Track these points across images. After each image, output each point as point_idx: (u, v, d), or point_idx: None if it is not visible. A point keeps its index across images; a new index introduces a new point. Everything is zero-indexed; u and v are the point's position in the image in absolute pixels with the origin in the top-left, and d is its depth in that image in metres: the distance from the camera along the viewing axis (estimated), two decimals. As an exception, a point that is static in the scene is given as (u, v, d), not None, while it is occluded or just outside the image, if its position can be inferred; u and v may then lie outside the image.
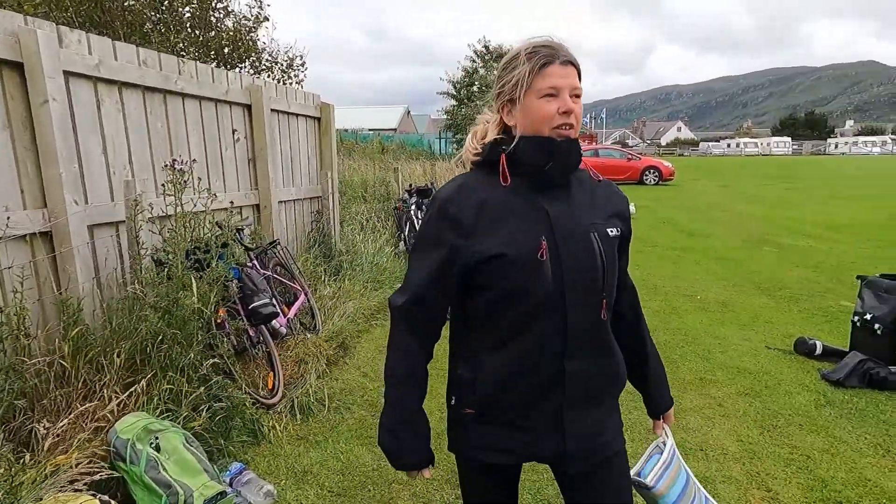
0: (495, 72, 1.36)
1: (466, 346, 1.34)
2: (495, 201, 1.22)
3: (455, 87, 23.96)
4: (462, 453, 1.38)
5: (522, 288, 1.20)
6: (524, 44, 1.24)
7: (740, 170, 33.15)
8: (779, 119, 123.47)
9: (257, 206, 4.81)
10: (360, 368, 3.97)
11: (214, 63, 7.62)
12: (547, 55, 1.20)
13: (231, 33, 7.69)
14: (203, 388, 2.64)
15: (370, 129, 34.33)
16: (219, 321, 3.14)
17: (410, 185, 8.64)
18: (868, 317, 3.93)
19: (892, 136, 76.53)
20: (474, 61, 23.59)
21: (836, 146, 73.77)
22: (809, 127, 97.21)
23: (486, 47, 23.42)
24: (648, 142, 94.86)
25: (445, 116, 24.80)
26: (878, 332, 3.84)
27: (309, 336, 4.05)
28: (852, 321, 4.08)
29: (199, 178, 3.54)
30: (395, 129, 42.06)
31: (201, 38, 7.27)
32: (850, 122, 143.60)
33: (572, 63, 1.21)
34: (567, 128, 1.21)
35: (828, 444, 2.94)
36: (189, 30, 7.20)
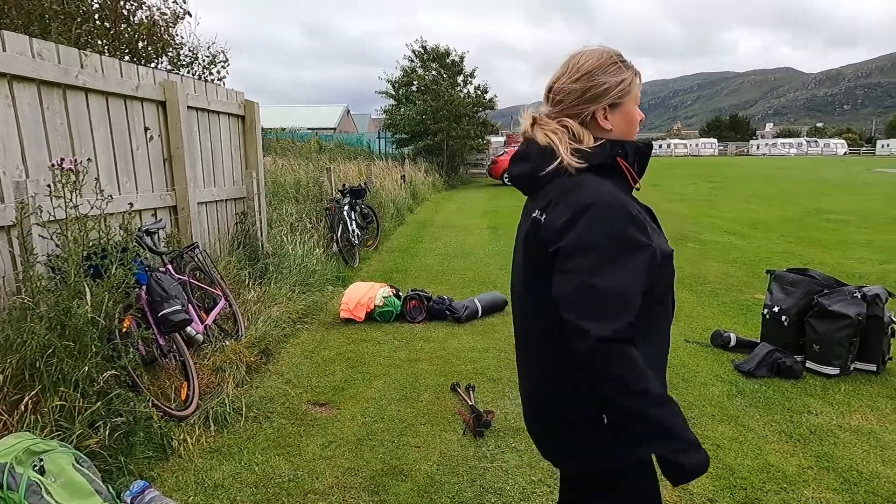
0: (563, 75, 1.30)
1: None
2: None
3: (394, 87, 23.85)
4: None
5: (671, 282, 1.30)
6: (606, 50, 1.28)
7: (670, 170, 34.52)
8: (706, 121, 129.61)
9: (174, 207, 4.58)
10: (282, 375, 3.84)
11: (128, 58, 7.21)
12: (634, 66, 1.29)
13: (146, 27, 7.29)
14: (101, 402, 2.47)
15: (309, 129, 33.72)
16: (123, 330, 2.95)
17: (344, 186, 8.50)
18: (776, 309, 4.14)
19: (807, 139, 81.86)
20: (412, 61, 23.56)
21: (758, 147, 78.12)
22: (733, 129, 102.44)
23: (424, 48, 23.41)
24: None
25: (384, 116, 24.63)
26: (785, 323, 4.05)
27: (229, 343, 3.88)
28: (762, 313, 4.28)
29: (97, 179, 3.32)
30: (334, 129, 41.45)
31: (112, 31, 6.85)
32: (769, 125, 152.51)
33: None
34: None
35: (737, 433, 3.06)
36: (98, 21, 6.77)
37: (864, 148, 76.72)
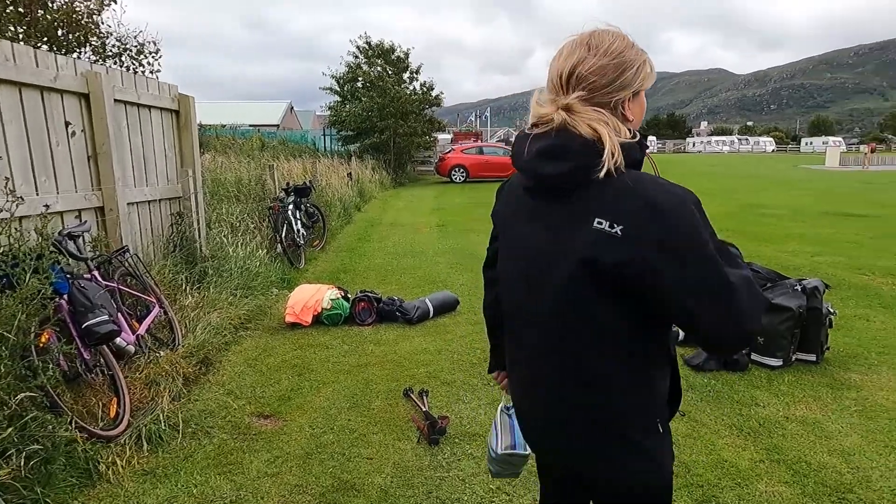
0: (600, 60, 1.11)
1: (662, 349, 1.20)
2: None
3: (338, 83, 23.40)
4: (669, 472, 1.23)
5: None
6: (618, 30, 1.15)
7: (613, 166, 35.42)
8: (646, 120, 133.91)
9: (101, 209, 4.24)
10: (224, 386, 3.61)
11: (46, 47, 6.67)
12: None
13: (65, 13, 6.74)
14: (13, 428, 2.21)
15: (251, 125, 32.72)
16: (41, 345, 2.68)
17: (288, 184, 8.20)
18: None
19: (739, 137, 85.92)
20: (357, 57, 23.17)
21: (694, 145, 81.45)
22: (671, 127, 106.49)
23: (369, 43, 23.07)
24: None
25: (330, 113, 24.14)
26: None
27: (163, 353, 3.62)
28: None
29: (8, 178, 3.01)
30: (277, 126, 40.41)
31: (28, 17, 6.30)
32: (704, 123, 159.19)
33: None
34: None
35: (690, 429, 3.07)
36: (11, 6, 6.19)
37: (790, 146, 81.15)
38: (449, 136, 35.16)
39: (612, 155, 1.03)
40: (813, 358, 3.96)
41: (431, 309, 5.00)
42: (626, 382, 1.14)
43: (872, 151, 34.67)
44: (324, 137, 25.92)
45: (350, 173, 15.01)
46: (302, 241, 7.42)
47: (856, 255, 7.37)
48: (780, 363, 3.88)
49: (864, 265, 6.75)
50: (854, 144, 68.38)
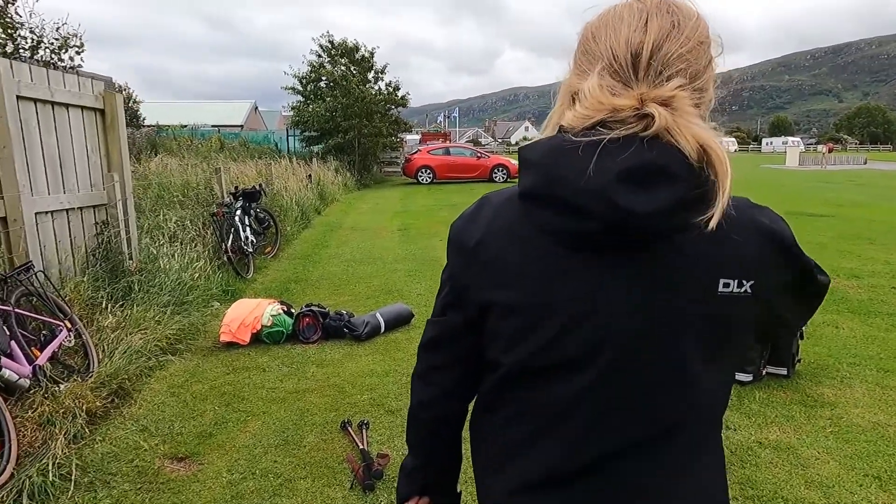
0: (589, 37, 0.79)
1: None
2: None
3: (301, 83, 22.80)
4: None
5: None
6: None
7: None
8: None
9: (3, 219, 3.77)
10: (138, 421, 3.19)
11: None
12: None
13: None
14: None
15: (213, 126, 31.82)
16: None
17: (236, 188, 7.73)
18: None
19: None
20: (320, 56, 22.62)
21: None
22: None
23: (332, 42, 22.55)
24: (500, 140, 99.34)
25: (293, 113, 23.53)
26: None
27: (65, 386, 3.16)
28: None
29: None
30: (241, 126, 39.45)
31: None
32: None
33: None
34: None
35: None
36: None
37: (751, 145, 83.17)
38: (417, 137, 34.80)
39: (725, 188, 0.69)
40: (784, 371, 3.73)
41: (383, 324, 4.64)
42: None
43: (830, 151, 35.64)
44: (287, 138, 25.28)
45: (310, 175, 14.51)
46: (251, 249, 6.96)
47: (819, 257, 7.23)
48: (751, 378, 3.64)
49: (829, 267, 6.62)
50: (812, 144, 70.53)
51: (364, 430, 2.96)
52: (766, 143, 76.14)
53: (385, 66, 23.19)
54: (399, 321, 4.80)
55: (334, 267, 7.25)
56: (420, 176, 21.11)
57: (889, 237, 8.47)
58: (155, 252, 5.19)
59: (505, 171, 21.37)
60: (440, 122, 66.57)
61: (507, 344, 0.83)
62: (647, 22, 0.74)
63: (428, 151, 22.43)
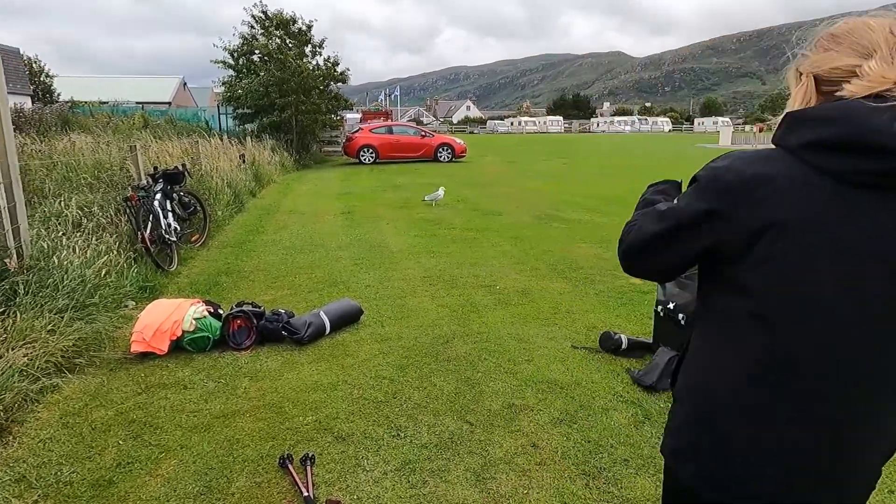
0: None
1: None
2: None
3: (233, 56, 21.32)
4: None
5: None
6: None
7: (522, 146, 35.53)
8: (552, 100, 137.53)
9: None
10: (13, 466, 2.49)
11: None
12: None
13: None
14: None
15: (138, 103, 29.72)
16: None
17: (156, 169, 6.84)
18: (671, 306, 3.58)
19: (638, 117, 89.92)
20: (253, 28, 21.17)
21: (598, 125, 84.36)
22: (576, 107, 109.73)
23: (265, 13, 21.13)
24: (441, 119, 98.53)
25: (224, 89, 22.03)
26: (682, 322, 3.50)
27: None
28: (655, 311, 3.73)
29: None
30: (169, 103, 37.16)
31: None
32: (606, 104, 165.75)
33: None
34: None
35: (655, 485, 2.37)
36: None
37: (685, 125, 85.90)
38: (357, 116, 33.65)
39: None
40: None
41: (328, 324, 4.05)
42: None
43: (761, 131, 37.07)
44: (219, 116, 23.74)
45: (243, 155, 13.48)
46: (174, 238, 6.16)
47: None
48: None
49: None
50: (739, 124, 73.49)
51: (309, 467, 2.39)
52: (699, 123, 78.77)
53: (324, 41, 22.01)
54: (346, 320, 4.22)
55: (271, 256, 6.55)
56: (362, 155, 20.27)
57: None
58: (49, 245, 4.36)
59: (450, 150, 20.82)
60: (381, 100, 65.14)
61: (788, 286, 0.94)
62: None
63: (370, 130, 21.56)
